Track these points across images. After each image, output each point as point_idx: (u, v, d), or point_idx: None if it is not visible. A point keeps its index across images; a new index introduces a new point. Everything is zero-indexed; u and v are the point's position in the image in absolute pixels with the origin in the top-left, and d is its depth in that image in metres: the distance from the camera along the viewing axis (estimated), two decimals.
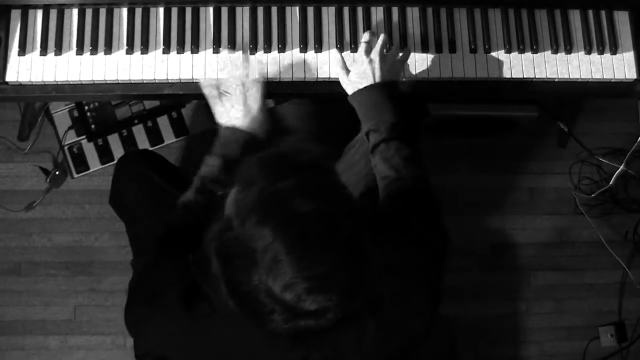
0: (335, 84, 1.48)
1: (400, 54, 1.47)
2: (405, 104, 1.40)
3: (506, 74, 1.54)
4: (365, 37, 1.47)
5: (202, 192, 1.34)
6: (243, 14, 1.53)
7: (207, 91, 1.44)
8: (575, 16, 1.58)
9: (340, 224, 0.95)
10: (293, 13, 1.54)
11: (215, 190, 1.34)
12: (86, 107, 2.17)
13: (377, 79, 1.40)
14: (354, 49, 1.53)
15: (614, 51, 1.56)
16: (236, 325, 1.08)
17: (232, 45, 1.51)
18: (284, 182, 0.96)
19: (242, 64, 1.44)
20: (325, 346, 1.12)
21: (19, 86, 1.51)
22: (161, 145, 2.20)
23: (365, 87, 1.40)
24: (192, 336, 1.13)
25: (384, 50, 1.44)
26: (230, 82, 1.42)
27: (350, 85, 1.42)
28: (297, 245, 0.91)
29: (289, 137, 1.79)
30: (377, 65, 1.40)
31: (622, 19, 1.59)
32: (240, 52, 1.48)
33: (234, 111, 1.41)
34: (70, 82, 1.51)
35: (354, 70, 1.43)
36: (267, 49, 1.52)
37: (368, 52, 1.43)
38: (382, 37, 1.45)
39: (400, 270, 1.18)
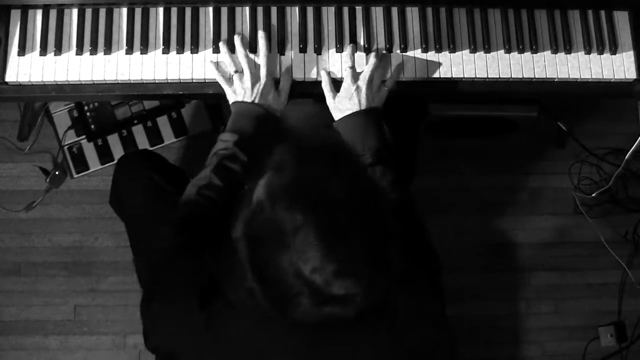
0: (336, 83, 1.49)
1: (390, 75, 1.49)
2: (385, 130, 1.42)
3: (506, 74, 1.54)
4: (347, 53, 1.47)
5: (220, 172, 1.33)
6: (243, 14, 1.53)
7: (220, 72, 1.47)
8: (574, 16, 1.58)
9: (370, 214, 0.98)
10: (292, 13, 1.54)
11: (234, 169, 1.34)
12: (86, 107, 2.17)
13: (363, 106, 1.41)
14: (354, 49, 1.52)
15: (613, 51, 1.56)
16: (251, 324, 1.10)
17: (232, 45, 1.51)
18: (318, 168, 0.99)
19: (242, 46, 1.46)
20: (341, 348, 1.13)
21: (19, 86, 1.51)
22: (161, 145, 2.21)
23: (350, 114, 1.41)
24: (205, 335, 1.13)
25: (372, 74, 1.45)
26: (241, 60, 1.45)
27: (336, 110, 1.44)
28: (327, 230, 0.93)
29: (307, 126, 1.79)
30: (363, 92, 1.42)
31: (622, 19, 1.59)
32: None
33: (243, 89, 1.43)
34: (70, 82, 1.51)
35: (341, 96, 1.44)
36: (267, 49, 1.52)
37: (355, 78, 1.44)
38: (372, 61, 1.46)
39: (409, 282, 1.19)
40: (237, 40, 1.48)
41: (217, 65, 1.48)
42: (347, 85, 1.44)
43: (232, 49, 1.49)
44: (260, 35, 1.47)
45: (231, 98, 1.45)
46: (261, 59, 1.47)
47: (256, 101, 1.42)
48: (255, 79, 1.44)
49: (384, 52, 1.53)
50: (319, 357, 1.14)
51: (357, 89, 1.43)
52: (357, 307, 0.98)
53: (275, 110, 1.44)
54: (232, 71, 1.46)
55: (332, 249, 0.93)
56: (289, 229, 0.93)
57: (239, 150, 1.36)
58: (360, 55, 1.52)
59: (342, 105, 1.43)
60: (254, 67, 1.46)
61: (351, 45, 1.50)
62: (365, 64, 1.48)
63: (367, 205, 0.99)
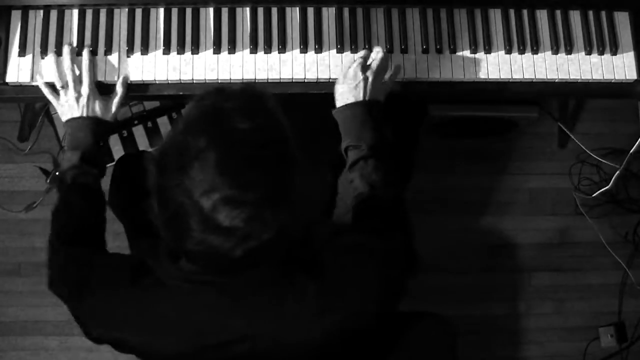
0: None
1: (390, 74, 1.49)
2: (383, 125, 1.42)
3: (506, 74, 1.54)
4: (360, 55, 1.47)
5: (77, 189, 1.41)
6: (243, 14, 1.53)
7: (46, 92, 1.48)
8: (575, 17, 1.58)
9: (271, 151, 1.02)
10: (293, 14, 1.54)
11: (88, 183, 1.41)
12: None
13: (367, 97, 1.40)
14: (354, 50, 1.53)
15: (614, 52, 1.57)
16: (180, 293, 1.14)
17: (232, 46, 1.51)
18: (228, 102, 1.04)
19: (68, 58, 1.47)
20: (263, 305, 1.14)
21: (19, 87, 1.51)
22: None
23: (352, 103, 1.40)
24: (141, 311, 1.17)
25: (380, 67, 1.44)
26: (67, 73, 1.46)
27: (339, 97, 1.42)
28: (225, 158, 0.98)
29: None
30: (370, 83, 1.41)
31: (623, 19, 1.59)
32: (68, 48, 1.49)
33: (71, 104, 1.44)
34: None
35: (347, 84, 1.42)
36: (268, 49, 1.52)
37: (365, 68, 1.43)
38: (380, 55, 1.45)
39: (353, 249, 1.21)
40: (65, 50, 1.48)
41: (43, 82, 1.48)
42: (354, 73, 1.42)
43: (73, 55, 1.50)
44: (84, 51, 1.48)
45: (63, 116, 1.46)
46: (83, 72, 1.47)
47: (84, 114, 1.43)
48: (77, 93, 1.45)
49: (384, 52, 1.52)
50: (246, 318, 1.14)
51: (365, 79, 1.41)
52: (243, 246, 0.99)
53: (106, 117, 1.46)
54: (58, 86, 1.46)
55: (225, 176, 0.97)
56: (192, 152, 0.98)
57: (86, 164, 1.40)
58: None
59: (345, 91, 1.41)
60: (78, 81, 1.46)
61: (366, 49, 1.50)
62: None
63: (270, 141, 1.03)
